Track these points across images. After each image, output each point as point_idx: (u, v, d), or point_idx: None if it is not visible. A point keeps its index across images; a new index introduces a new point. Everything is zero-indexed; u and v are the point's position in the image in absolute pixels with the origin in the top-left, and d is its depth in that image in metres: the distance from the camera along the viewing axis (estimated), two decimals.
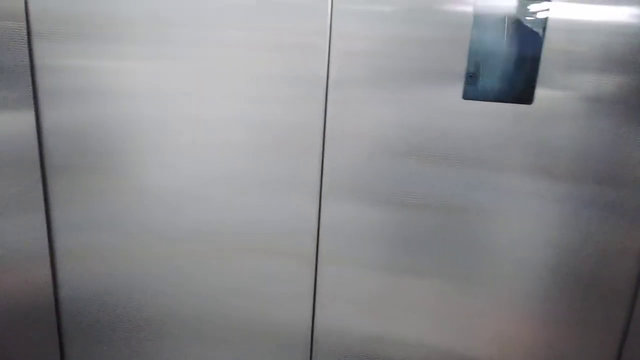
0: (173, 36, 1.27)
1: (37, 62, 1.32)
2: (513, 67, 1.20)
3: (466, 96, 1.22)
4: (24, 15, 1.29)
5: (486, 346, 1.41)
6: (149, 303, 1.51)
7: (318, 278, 1.43)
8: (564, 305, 1.34)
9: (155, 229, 1.44)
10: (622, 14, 1.13)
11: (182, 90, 1.32)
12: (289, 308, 1.47)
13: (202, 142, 1.35)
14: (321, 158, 1.32)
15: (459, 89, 1.22)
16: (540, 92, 1.20)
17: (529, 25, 1.16)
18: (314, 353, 1.49)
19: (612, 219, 1.26)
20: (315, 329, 1.47)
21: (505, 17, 1.17)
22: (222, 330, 1.51)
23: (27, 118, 1.36)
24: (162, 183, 1.40)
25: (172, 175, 1.39)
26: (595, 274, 1.30)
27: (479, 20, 1.18)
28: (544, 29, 1.16)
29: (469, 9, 1.16)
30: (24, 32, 1.30)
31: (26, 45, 1.30)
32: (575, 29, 1.15)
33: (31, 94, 1.34)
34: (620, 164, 1.22)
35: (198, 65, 1.29)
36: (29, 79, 1.33)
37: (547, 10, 1.14)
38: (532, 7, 1.15)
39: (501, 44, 1.19)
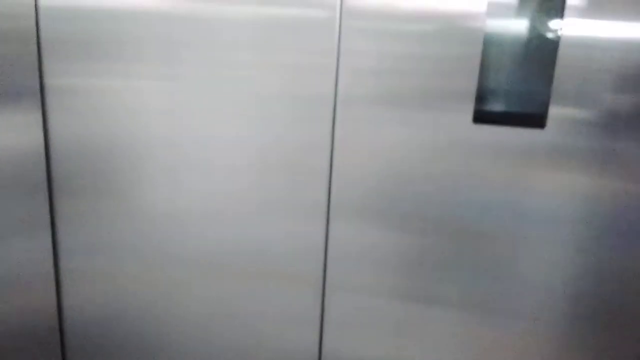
0: (180, 56, 1.29)
1: (47, 82, 1.34)
2: (524, 89, 1.19)
3: (476, 119, 1.21)
4: (35, 37, 1.31)
5: None
6: (154, 326, 1.51)
7: (325, 303, 1.40)
8: (586, 331, 1.31)
9: (160, 252, 1.44)
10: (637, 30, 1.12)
11: (190, 110, 1.32)
12: (295, 334, 1.44)
13: (210, 163, 1.35)
14: (329, 179, 1.31)
15: (469, 111, 1.21)
16: (553, 115, 1.18)
17: (541, 44, 1.15)
18: None
19: (635, 242, 1.24)
20: (322, 356, 1.45)
21: (516, 35, 1.16)
22: (228, 355, 1.50)
23: (35, 139, 1.37)
24: (168, 205, 1.40)
25: (178, 198, 1.39)
26: (619, 300, 1.27)
27: (490, 39, 1.17)
28: (557, 48, 1.15)
29: (480, 27, 1.16)
30: (35, 53, 1.32)
31: (36, 66, 1.32)
32: (590, 46, 1.14)
33: (40, 114, 1.35)
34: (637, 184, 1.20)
35: (205, 85, 1.30)
36: (39, 100, 1.34)
37: (560, 28, 1.13)
38: (545, 25, 1.14)
39: (512, 65, 1.18)
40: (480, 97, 1.20)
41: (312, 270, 1.39)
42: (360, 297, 1.39)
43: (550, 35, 1.14)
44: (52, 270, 1.47)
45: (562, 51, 1.14)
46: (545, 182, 1.23)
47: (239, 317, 1.46)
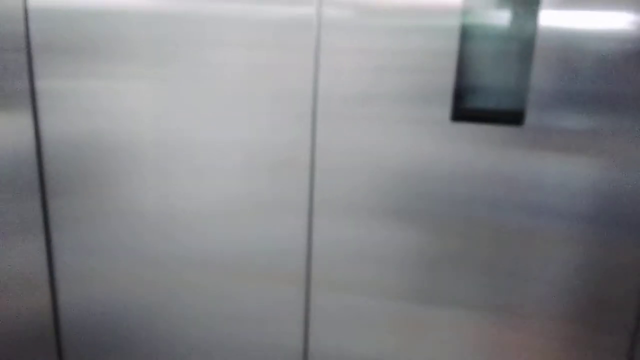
0: (169, 56, 1.30)
1: (38, 84, 1.35)
2: (501, 86, 1.18)
3: (454, 117, 1.21)
4: (25, 39, 1.33)
5: None
6: (145, 327, 1.52)
7: (310, 300, 1.41)
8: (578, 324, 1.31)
9: (150, 252, 1.45)
10: (616, 21, 1.11)
11: (177, 110, 1.34)
12: (281, 331, 1.45)
13: (195, 163, 1.37)
14: (311, 176, 1.32)
15: (447, 109, 1.22)
16: (532, 111, 1.18)
17: (518, 38, 1.15)
18: None
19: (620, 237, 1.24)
20: (308, 352, 1.45)
21: (493, 30, 1.16)
22: (215, 352, 1.51)
23: (27, 141, 1.38)
24: (157, 205, 1.41)
25: (167, 199, 1.40)
26: (606, 293, 1.28)
27: (466, 34, 1.17)
28: (534, 41, 1.14)
29: (457, 22, 1.16)
30: (24, 55, 1.33)
31: (26, 68, 1.34)
32: (568, 38, 1.13)
33: (32, 116, 1.37)
34: (617, 179, 1.20)
35: (192, 85, 1.32)
36: (30, 101, 1.36)
37: (538, 20, 1.13)
38: (522, 18, 1.14)
39: (490, 61, 1.18)
40: (458, 94, 1.20)
41: (296, 268, 1.39)
42: (345, 294, 1.39)
43: (527, 28, 1.14)
44: (46, 271, 1.48)
45: (539, 44, 1.14)
46: (524, 177, 1.23)
47: (228, 317, 1.47)
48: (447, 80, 1.20)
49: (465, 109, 1.21)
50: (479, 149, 1.23)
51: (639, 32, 1.10)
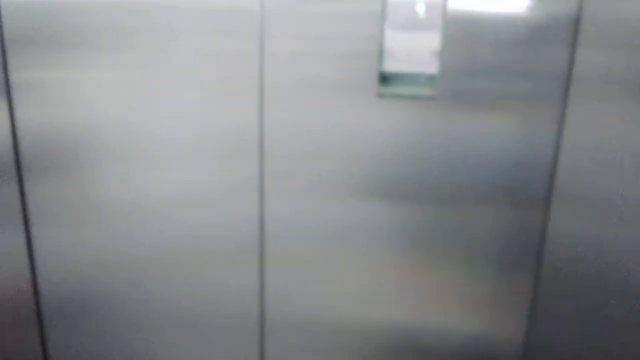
0: (137, 44, 1.31)
1: (13, 76, 1.34)
2: (414, 63, 1.25)
3: (379, 95, 1.27)
4: None
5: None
6: (119, 307, 1.56)
7: (265, 276, 1.46)
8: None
9: (121, 238, 1.47)
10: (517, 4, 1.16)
11: (133, 100, 1.35)
12: (237, 305, 1.51)
13: (151, 150, 1.39)
14: (260, 158, 1.36)
15: (374, 88, 1.27)
16: (444, 87, 1.24)
17: (427, 18, 1.20)
18: (266, 347, 1.53)
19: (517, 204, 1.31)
20: (265, 326, 1.51)
21: (411, 7, 1.20)
22: (180, 328, 1.56)
23: (4, 132, 1.39)
24: (125, 193, 1.44)
25: (131, 185, 1.43)
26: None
27: (387, 16, 1.21)
28: (444, 20, 1.18)
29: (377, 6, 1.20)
30: None
31: (1, 60, 1.33)
32: (474, 20, 1.18)
33: (7, 109, 1.36)
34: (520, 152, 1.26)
35: (145, 74, 1.33)
36: (5, 94, 1.36)
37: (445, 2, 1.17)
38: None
39: (405, 38, 1.23)
40: (381, 76, 1.26)
41: (250, 247, 1.44)
42: (296, 268, 1.45)
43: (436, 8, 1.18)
44: (27, 259, 1.49)
45: (447, 25, 1.19)
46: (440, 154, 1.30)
47: (187, 292, 1.52)
48: (373, 63, 1.25)
49: (387, 88, 1.27)
50: (403, 123, 1.29)
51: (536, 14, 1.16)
